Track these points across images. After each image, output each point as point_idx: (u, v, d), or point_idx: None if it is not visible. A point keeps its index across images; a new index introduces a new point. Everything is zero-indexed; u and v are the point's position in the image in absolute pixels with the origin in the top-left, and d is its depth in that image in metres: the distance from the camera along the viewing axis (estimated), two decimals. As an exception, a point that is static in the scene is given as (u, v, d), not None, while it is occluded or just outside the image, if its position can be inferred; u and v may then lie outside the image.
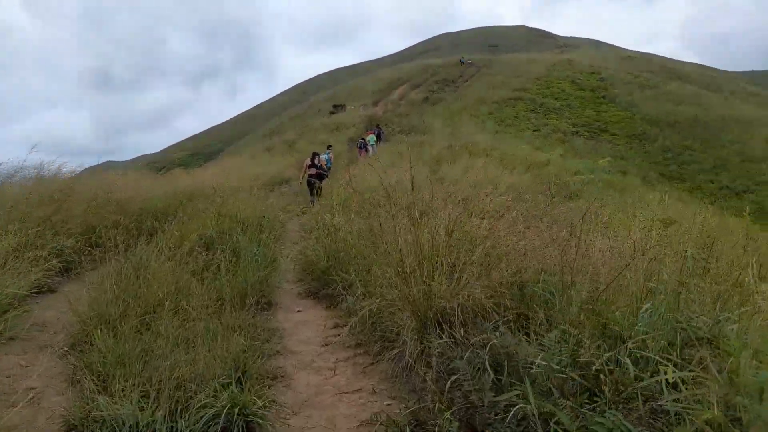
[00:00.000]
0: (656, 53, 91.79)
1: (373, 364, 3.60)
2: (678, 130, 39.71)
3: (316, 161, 14.10)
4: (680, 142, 37.71)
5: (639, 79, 52.07)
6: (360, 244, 5.06)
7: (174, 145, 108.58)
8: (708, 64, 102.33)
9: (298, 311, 4.95)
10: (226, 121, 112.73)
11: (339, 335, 4.13)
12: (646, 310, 2.32)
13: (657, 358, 2.07)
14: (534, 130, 36.35)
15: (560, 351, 2.30)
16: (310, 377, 3.48)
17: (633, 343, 2.14)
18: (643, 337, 2.17)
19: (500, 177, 12.19)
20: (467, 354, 2.54)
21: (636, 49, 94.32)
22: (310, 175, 13.73)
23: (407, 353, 3.14)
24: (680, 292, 2.29)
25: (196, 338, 3.38)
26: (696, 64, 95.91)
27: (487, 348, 2.46)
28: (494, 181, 11.43)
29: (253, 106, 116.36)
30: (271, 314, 4.74)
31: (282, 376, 3.44)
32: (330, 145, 20.57)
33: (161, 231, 5.59)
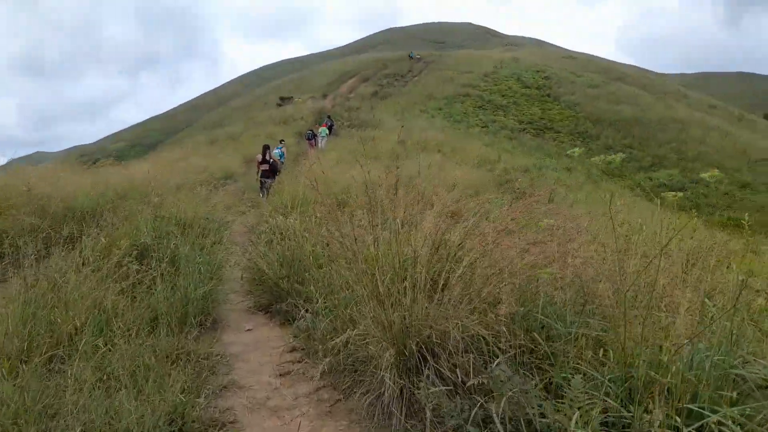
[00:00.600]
0: (594, 54, 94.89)
1: (341, 400, 3.03)
2: (618, 129, 40.96)
3: (267, 156, 13.55)
4: (621, 141, 38.91)
5: (581, 78, 53.49)
6: (321, 253, 4.46)
7: (111, 135, 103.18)
8: (641, 67, 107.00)
9: (249, 330, 4.30)
10: (166, 112, 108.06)
11: (298, 362, 3.52)
12: (693, 353, 1.87)
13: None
14: (482, 127, 36.58)
15: (592, 407, 1.82)
16: (266, 422, 2.87)
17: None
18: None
19: (456, 174, 11.80)
20: (469, 407, 2.01)
21: (575, 50, 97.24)
22: (264, 171, 13.18)
23: (386, 393, 2.59)
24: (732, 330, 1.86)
25: (120, 379, 2.69)
26: (632, 65, 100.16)
27: (500, 404, 1.94)
28: (449, 178, 11.04)
29: (196, 96, 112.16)
30: (217, 335, 4.08)
31: (231, 422, 2.82)
32: (282, 140, 19.79)
33: (86, 237, 4.78)
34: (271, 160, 13.65)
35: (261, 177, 13.19)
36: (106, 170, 10.82)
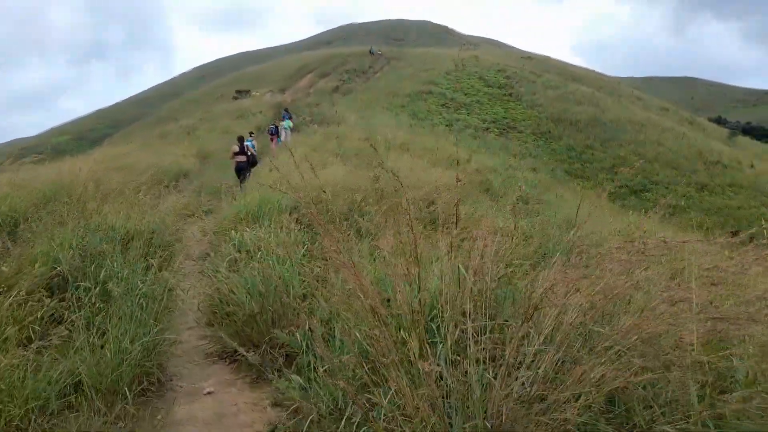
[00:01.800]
0: (549, 56, 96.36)
1: None
2: (579, 130, 41.19)
3: (244, 148, 13.41)
4: (582, 141, 39.13)
5: (542, 79, 53.81)
6: (312, 282, 3.40)
7: (55, 128, 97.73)
8: (593, 69, 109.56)
9: (209, 393, 3.18)
10: (115, 104, 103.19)
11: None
12: None
13: None
14: (447, 125, 36.00)
15: None
16: None
17: None
18: None
19: (433, 176, 10.88)
20: None
21: (531, 51, 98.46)
22: (240, 162, 13.22)
23: None
24: None
25: None
26: (584, 67, 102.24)
27: None
28: (428, 181, 10.11)
29: (148, 88, 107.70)
30: (164, 408, 2.94)
31: None
32: (252, 132, 19.27)
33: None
34: (249, 152, 13.52)
35: (237, 168, 13.17)
36: (35, 168, 9.36)
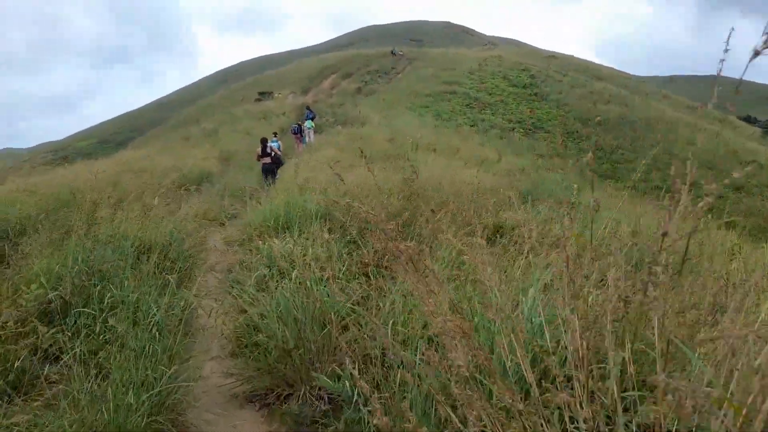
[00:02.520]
0: (571, 54, 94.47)
1: None
2: (608, 129, 40.04)
3: (268, 149, 13.44)
4: (611, 141, 37.99)
5: (567, 77, 52.71)
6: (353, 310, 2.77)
7: (81, 131, 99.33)
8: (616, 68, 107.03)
9: (236, 451, 2.56)
10: (139, 108, 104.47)
11: None
12: None
13: None
14: (471, 125, 35.20)
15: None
16: None
17: None
18: None
19: (467, 177, 10.17)
20: None
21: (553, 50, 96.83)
22: (265, 164, 13.21)
23: None
24: None
25: None
26: (609, 67, 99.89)
27: None
28: (465, 182, 9.43)
29: (171, 92, 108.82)
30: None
31: None
32: (276, 132, 19.24)
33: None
34: (272, 152, 13.48)
35: (264, 170, 13.16)
36: (53, 170, 8.94)
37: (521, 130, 37.63)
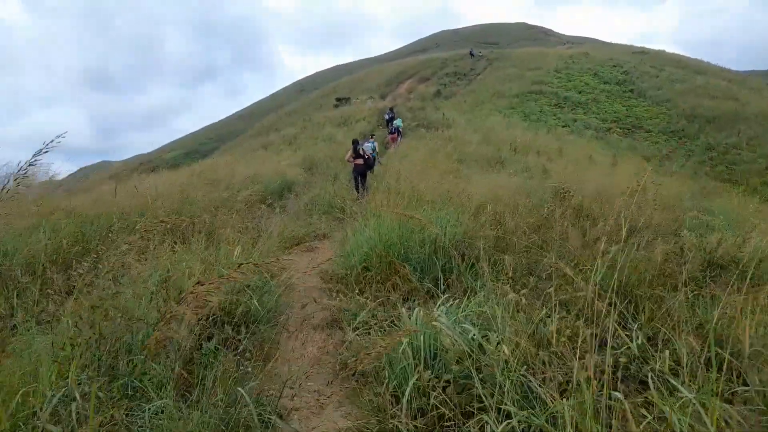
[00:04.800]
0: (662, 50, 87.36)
1: None
2: (718, 127, 35.85)
3: (360, 151, 12.87)
4: (724, 140, 33.87)
5: (664, 72, 48.29)
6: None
7: (169, 143, 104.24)
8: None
9: None
10: (222, 119, 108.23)
11: None
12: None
13: None
14: (563, 126, 32.47)
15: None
16: None
17: None
18: None
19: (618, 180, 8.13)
20: None
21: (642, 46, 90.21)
22: (357, 165, 12.71)
23: None
24: None
25: None
26: (707, 61, 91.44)
27: None
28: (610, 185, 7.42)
29: (252, 103, 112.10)
30: None
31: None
32: (373, 134, 18.99)
33: None
34: (365, 155, 12.91)
35: (355, 173, 12.72)
36: (134, 180, 7.82)
37: (618, 130, 34.40)
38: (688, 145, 33.38)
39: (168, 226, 3.64)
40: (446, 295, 3.09)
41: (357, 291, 3.93)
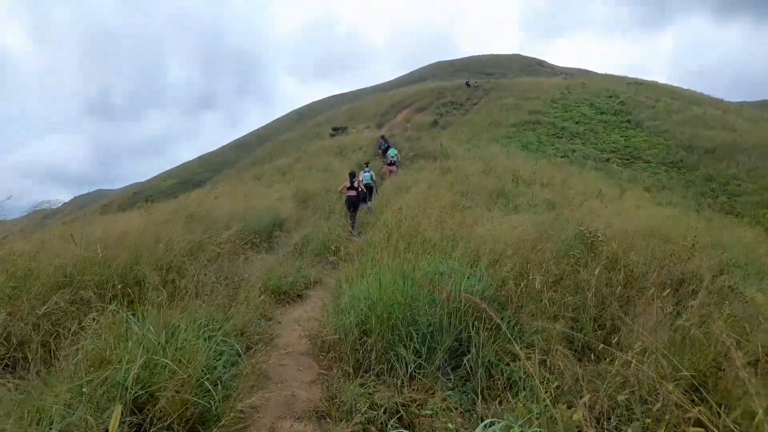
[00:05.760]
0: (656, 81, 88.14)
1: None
2: (718, 158, 35.60)
3: (355, 183, 12.96)
4: (724, 171, 33.55)
5: (660, 103, 48.36)
6: None
7: (164, 172, 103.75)
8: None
9: None
10: (218, 149, 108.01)
11: None
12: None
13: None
14: (562, 156, 32.05)
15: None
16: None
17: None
18: None
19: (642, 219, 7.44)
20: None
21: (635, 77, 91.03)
22: (349, 197, 12.72)
23: None
24: None
25: None
26: (700, 92, 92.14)
27: None
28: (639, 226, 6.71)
29: (247, 133, 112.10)
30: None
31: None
32: (368, 162, 19.23)
33: None
34: (359, 186, 13.12)
35: (348, 204, 12.72)
36: (100, 220, 7.10)
37: (617, 161, 34.00)
38: (687, 176, 32.98)
39: (119, 286, 2.90)
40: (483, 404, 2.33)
41: (352, 364, 3.18)
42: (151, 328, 2.62)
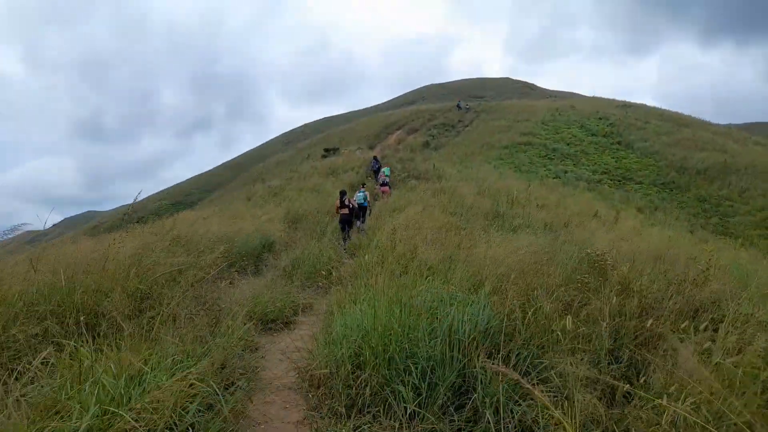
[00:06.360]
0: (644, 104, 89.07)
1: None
2: (709, 179, 35.73)
3: (346, 201, 13.35)
4: (716, 192, 33.67)
5: (650, 125, 48.76)
6: None
7: (157, 193, 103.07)
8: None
9: None
10: (210, 169, 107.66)
11: None
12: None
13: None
14: (554, 177, 32.03)
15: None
16: None
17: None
18: None
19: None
20: None
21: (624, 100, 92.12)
22: (342, 215, 13.16)
23: None
24: None
25: None
26: (688, 114, 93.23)
27: None
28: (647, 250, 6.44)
29: (240, 154, 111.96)
30: None
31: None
32: (364, 183, 19.45)
33: None
34: (350, 204, 13.45)
35: (341, 222, 13.13)
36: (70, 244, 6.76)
37: (609, 182, 34.04)
38: (679, 197, 33.04)
39: (82, 318, 2.58)
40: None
41: (344, 402, 2.85)
42: (111, 367, 2.29)
